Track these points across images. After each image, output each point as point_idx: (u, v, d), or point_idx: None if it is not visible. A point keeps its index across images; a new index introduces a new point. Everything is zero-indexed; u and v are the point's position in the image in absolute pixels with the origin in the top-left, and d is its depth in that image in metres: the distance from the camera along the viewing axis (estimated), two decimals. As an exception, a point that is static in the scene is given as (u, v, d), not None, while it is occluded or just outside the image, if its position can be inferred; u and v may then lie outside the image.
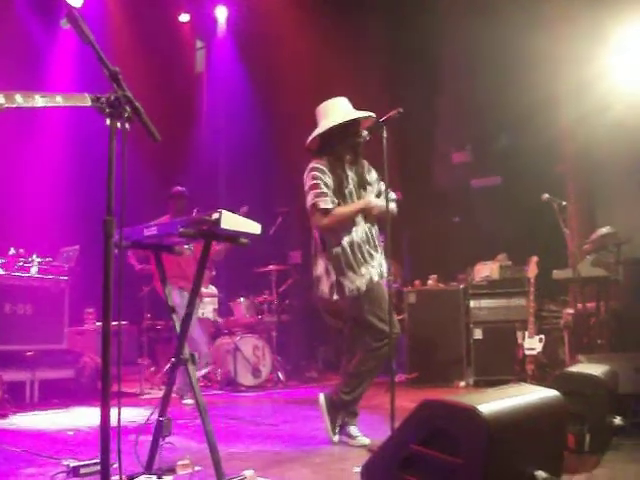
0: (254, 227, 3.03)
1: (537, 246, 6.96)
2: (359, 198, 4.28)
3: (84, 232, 5.82)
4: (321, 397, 4.30)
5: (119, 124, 2.01)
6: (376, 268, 4.25)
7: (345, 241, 4.19)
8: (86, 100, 2.03)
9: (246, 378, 7.61)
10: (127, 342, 8.39)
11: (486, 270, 7.30)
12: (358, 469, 2.88)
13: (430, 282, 7.56)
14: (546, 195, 6.12)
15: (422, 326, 7.40)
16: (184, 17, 11.24)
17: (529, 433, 2.54)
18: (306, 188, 4.26)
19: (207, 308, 8.44)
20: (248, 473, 3.13)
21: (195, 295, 3.16)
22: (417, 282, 7.73)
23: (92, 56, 2.08)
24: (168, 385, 3.22)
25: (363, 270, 4.19)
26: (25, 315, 6.25)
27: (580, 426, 3.63)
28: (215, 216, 2.83)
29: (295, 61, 9.97)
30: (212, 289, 8.65)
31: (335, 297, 4.20)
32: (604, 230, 6.12)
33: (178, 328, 3.16)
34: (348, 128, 4.22)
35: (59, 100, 1.98)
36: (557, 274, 6.49)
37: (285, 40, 10.05)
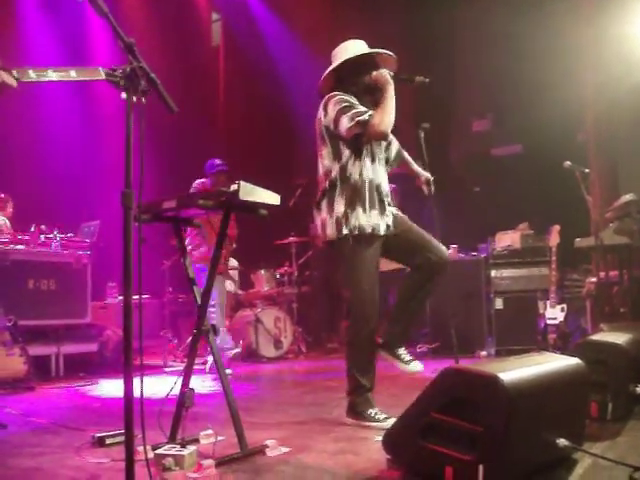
0: (273, 198, 3.03)
1: (559, 215, 6.89)
2: (376, 149, 3.91)
3: (105, 206, 5.85)
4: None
5: (135, 98, 2.00)
6: (385, 220, 3.85)
7: (365, 175, 3.81)
8: (99, 74, 2.02)
9: (268, 350, 7.67)
10: (150, 315, 8.47)
11: (507, 239, 7.24)
12: (380, 437, 2.90)
13: (451, 252, 7.52)
14: (568, 162, 6.04)
15: (443, 296, 7.36)
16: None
17: (551, 401, 2.53)
18: (333, 116, 3.78)
19: (228, 281, 8.48)
20: (270, 442, 3.16)
21: (215, 268, 3.17)
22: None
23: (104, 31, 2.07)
24: (190, 357, 3.25)
25: (373, 213, 3.80)
26: (48, 290, 6.32)
27: (602, 394, 3.61)
28: (234, 187, 2.83)
29: (314, 32, 9.86)
30: (233, 262, 8.68)
31: (345, 230, 3.75)
32: (627, 197, 6.03)
33: (199, 300, 3.17)
34: (363, 64, 3.87)
35: (73, 75, 1.98)
36: (579, 242, 6.43)
37: (304, 11, 9.95)
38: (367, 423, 3.71)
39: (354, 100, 3.81)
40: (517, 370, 2.42)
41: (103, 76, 2.04)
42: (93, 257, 6.77)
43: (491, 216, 7.54)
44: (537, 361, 2.67)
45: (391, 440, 2.75)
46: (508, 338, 7.01)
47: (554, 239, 6.43)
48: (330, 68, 3.96)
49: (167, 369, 7.00)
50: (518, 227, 7.44)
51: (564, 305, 6.35)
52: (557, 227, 6.48)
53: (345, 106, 3.75)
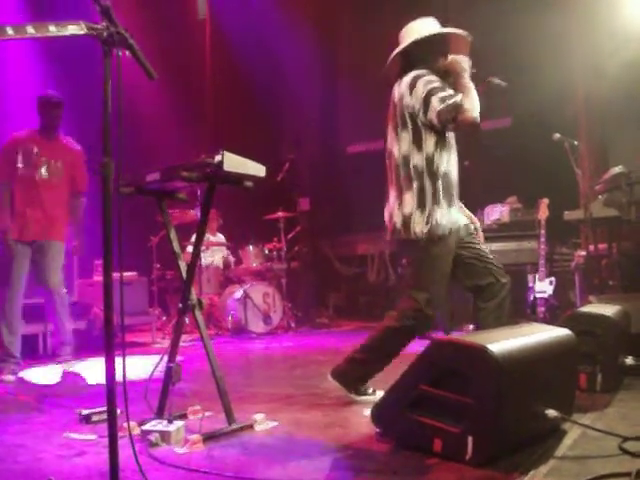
0: (258, 169, 2.97)
1: (548, 188, 6.85)
2: (452, 139, 3.62)
3: (92, 182, 5.76)
4: None
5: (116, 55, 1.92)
6: (462, 219, 3.60)
7: (449, 168, 3.53)
8: (82, 28, 1.93)
9: (257, 325, 7.64)
10: (138, 293, 8.40)
11: (496, 213, 7.21)
12: (368, 411, 2.88)
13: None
14: (557, 135, 5.99)
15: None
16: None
17: (540, 372, 2.51)
18: (422, 96, 3.39)
19: (216, 256, 8.44)
20: (258, 417, 3.14)
21: (200, 242, 3.12)
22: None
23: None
24: (176, 332, 3.21)
25: (455, 209, 3.55)
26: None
27: (592, 366, 3.61)
28: (218, 158, 2.77)
29: (304, 7, 9.74)
30: (220, 237, 8.63)
31: (439, 231, 3.45)
32: (616, 169, 5.99)
33: (184, 274, 3.13)
34: (435, 44, 3.56)
35: (52, 29, 1.89)
36: (568, 215, 6.40)
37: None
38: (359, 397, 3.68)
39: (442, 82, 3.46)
40: (506, 341, 2.39)
41: (85, 30, 1.95)
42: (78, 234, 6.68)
43: (480, 190, 7.49)
44: (526, 332, 2.64)
45: (380, 413, 2.73)
46: (497, 312, 7.00)
47: (543, 212, 6.40)
48: (398, 49, 3.64)
49: (156, 346, 6.97)
50: (507, 201, 7.41)
51: (553, 278, 6.34)
52: (546, 200, 6.45)
53: (435, 87, 3.39)
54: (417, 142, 3.48)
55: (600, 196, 6.11)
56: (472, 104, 3.36)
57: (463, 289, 3.75)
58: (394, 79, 3.63)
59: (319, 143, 10.47)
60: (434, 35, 3.55)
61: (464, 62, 3.50)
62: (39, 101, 5.27)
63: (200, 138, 9.89)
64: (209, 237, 8.25)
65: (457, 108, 3.32)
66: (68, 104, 5.51)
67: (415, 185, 3.47)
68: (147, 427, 2.92)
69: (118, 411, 2.08)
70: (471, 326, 7.13)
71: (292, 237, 8.61)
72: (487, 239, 7.23)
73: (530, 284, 6.42)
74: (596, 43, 7.27)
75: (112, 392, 1.97)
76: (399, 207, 3.54)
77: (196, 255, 3.15)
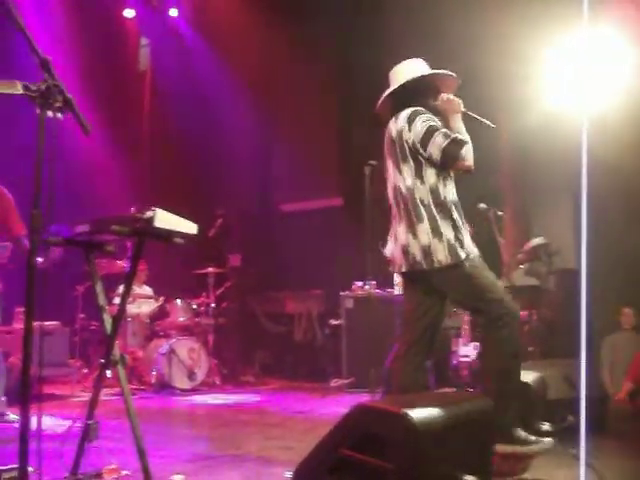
0: (190, 227, 2.98)
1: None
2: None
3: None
4: None
5: (50, 114, 1.94)
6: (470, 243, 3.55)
7: (454, 197, 3.56)
8: (17, 87, 1.95)
9: (181, 381, 7.49)
10: (59, 343, 8.13)
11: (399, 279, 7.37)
12: (289, 474, 2.86)
13: (368, 287, 7.59)
14: (482, 205, 6.20)
15: (360, 331, 7.41)
16: (129, 12, 11.01)
17: (459, 438, 2.56)
18: (422, 131, 3.43)
19: (142, 308, 8.28)
20: (177, 478, 3.08)
21: (126, 295, 3.09)
22: (355, 286, 7.75)
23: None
24: (96, 388, 3.13)
25: (466, 235, 3.53)
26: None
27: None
28: (149, 214, 2.77)
29: (243, 61, 9.91)
30: (147, 289, 8.49)
31: (462, 254, 3.41)
32: (537, 240, 6.25)
33: (108, 328, 3.08)
34: (424, 86, 3.61)
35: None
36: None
37: (235, 40, 9.98)
38: (520, 447, 3.37)
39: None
40: (427, 407, 2.43)
41: (20, 90, 1.96)
42: (2, 280, 6.47)
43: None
44: (447, 398, 2.70)
45: (300, 477, 2.71)
46: (422, 374, 7.07)
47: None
48: (388, 91, 3.69)
49: (75, 400, 6.73)
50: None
51: (477, 343, 6.47)
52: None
53: (435, 124, 3.46)
54: (419, 175, 3.49)
55: (522, 265, 6.33)
56: (469, 151, 3.46)
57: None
58: (386, 118, 3.67)
59: (253, 200, 10.54)
60: (422, 77, 3.60)
61: (458, 103, 3.57)
62: None
63: (135, 189, 9.81)
64: (135, 289, 8.11)
65: (459, 149, 3.39)
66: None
67: (426, 216, 3.46)
68: (60, 486, 2.82)
69: (30, 469, 2.01)
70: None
71: (221, 293, 8.55)
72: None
73: (454, 348, 6.54)
74: (523, 119, 7.59)
75: (25, 448, 1.91)
76: (414, 238, 3.48)
77: (122, 310, 3.11)
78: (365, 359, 6.36)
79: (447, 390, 3.41)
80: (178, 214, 2.98)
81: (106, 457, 3.42)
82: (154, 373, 7.50)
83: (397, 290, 6.44)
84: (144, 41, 11.90)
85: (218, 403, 6.69)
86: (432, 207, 3.46)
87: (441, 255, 3.41)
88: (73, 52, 9.56)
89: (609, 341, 6.27)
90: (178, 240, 3.03)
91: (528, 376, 3.92)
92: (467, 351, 6.43)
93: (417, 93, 3.61)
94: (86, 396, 6.90)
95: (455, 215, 3.48)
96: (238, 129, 10.16)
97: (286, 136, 10.22)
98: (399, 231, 3.58)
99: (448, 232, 3.43)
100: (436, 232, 3.43)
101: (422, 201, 3.47)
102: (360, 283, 7.69)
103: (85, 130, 2.02)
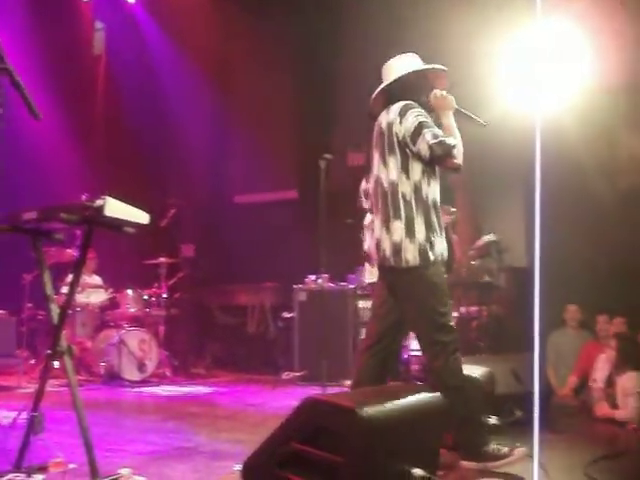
0: (141, 216, 2.93)
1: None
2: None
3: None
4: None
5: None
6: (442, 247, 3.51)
7: (436, 196, 3.51)
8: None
9: (131, 373, 7.39)
10: (5, 333, 7.94)
11: (375, 271, 7.40)
12: (239, 467, 2.85)
13: (320, 281, 7.61)
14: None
15: (312, 324, 7.43)
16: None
17: (408, 432, 2.59)
18: (412, 126, 3.40)
19: (91, 298, 8.14)
20: (124, 471, 3.03)
21: (75, 284, 3.03)
22: (308, 279, 7.76)
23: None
24: (42, 379, 3.07)
25: (442, 240, 3.49)
26: None
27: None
28: (99, 202, 2.72)
29: (200, 49, 9.81)
30: (96, 279, 8.35)
31: (431, 257, 3.38)
32: (488, 237, 6.34)
33: (55, 319, 3.01)
34: (417, 81, 3.58)
35: None
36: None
37: (191, 25, 9.87)
38: (488, 463, 3.32)
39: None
40: (377, 401, 2.45)
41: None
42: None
43: (362, 248, 7.68)
44: (397, 392, 2.72)
45: (249, 470, 2.70)
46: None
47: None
48: (380, 88, 3.65)
49: (21, 391, 6.59)
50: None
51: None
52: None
53: (426, 121, 3.41)
54: (405, 169, 3.45)
55: (473, 262, 6.42)
56: (459, 149, 3.45)
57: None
58: (378, 112, 3.64)
59: (207, 191, 10.44)
60: (415, 72, 3.57)
61: (450, 100, 3.54)
62: None
63: (87, 176, 9.61)
64: (85, 278, 7.96)
65: (449, 150, 3.37)
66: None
67: (403, 213, 3.43)
68: (2, 480, 2.75)
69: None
70: (349, 381, 7.22)
71: (173, 283, 8.47)
72: (365, 296, 7.44)
73: (404, 342, 6.59)
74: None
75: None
76: (387, 234, 3.47)
77: (70, 299, 3.05)
78: (317, 352, 6.37)
79: (398, 384, 3.44)
80: (130, 202, 2.93)
81: (52, 450, 3.35)
82: (103, 364, 7.39)
83: (369, 279, 6.42)
84: (99, 25, 11.66)
85: (168, 395, 6.62)
86: (412, 203, 3.43)
87: (410, 255, 3.40)
88: (26, 34, 9.34)
89: (554, 338, 6.40)
90: (129, 229, 2.98)
91: (477, 370, 3.99)
92: (417, 345, 6.49)
93: (410, 88, 3.58)
94: (33, 387, 6.76)
95: (433, 216, 3.45)
96: (193, 118, 10.05)
97: (242, 127, 10.14)
98: (375, 225, 3.59)
99: (421, 232, 3.40)
100: (410, 231, 3.41)
101: (404, 196, 3.44)
102: (313, 276, 7.70)
103: (34, 115, 1.96)
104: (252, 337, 9.10)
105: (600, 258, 6.59)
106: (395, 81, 3.59)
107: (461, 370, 3.46)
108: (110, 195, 2.82)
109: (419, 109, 3.47)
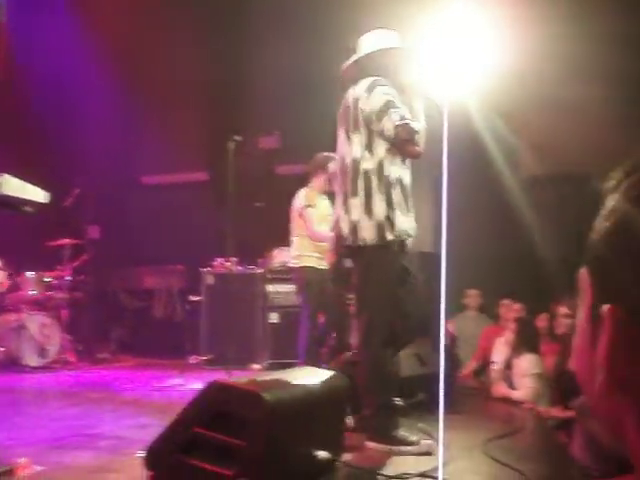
0: (40, 195, 2.83)
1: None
2: None
3: None
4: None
5: None
6: (413, 230, 3.47)
7: (400, 175, 3.45)
8: None
9: (31, 358, 7.15)
10: None
11: (284, 256, 7.42)
12: (142, 453, 2.81)
13: (229, 264, 7.57)
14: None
15: (220, 308, 7.40)
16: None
17: (312, 415, 2.63)
18: (378, 106, 3.36)
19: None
20: (22, 461, 2.94)
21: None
22: (216, 263, 7.70)
23: None
24: None
25: (410, 216, 3.46)
26: None
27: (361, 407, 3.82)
28: (-5, 182, 2.61)
29: (108, 24, 9.50)
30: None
31: (390, 236, 3.32)
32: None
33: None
34: (386, 60, 3.53)
35: None
36: (349, 262, 6.76)
37: (97, 5, 9.55)
38: (397, 447, 3.32)
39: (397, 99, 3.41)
40: (280, 386, 2.48)
41: None
42: None
43: (272, 232, 7.69)
44: (300, 376, 2.75)
45: (153, 456, 2.67)
46: (282, 351, 7.17)
47: (328, 259, 6.69)
48: (353, 58, 3.58)
49: None
50: (296, 244, 7.66)
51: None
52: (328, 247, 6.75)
53: (393, 101, 3.35)
54: (369, 146, 3.41)
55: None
56: (422, 136, 3.41)
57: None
58: (349, 84, 3.58)
59: (114, 171, 10.15)
60: (385, 50, 3.53)
61: (424, 87, 3.51)
62: None
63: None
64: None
65: (413, 134, 3.31)
66: None
67: (363, 190, 3.37)
68: None
69: None
70: (256, 365, 7.24)
71: (77, 266, 8.22)
72: (274, 280, 7.46)
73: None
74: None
75: None
76: (346, 212, 3.42)
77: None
78: (224, 336, 6.36)
79: (304, 368, 3.47)
80: (30, 181, 2.83)
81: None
82: (2, 349, 7.12)
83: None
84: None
85: (71, 381, 6.45)
86: (373, 181, 3.38)
87: (367, 233, 3.36)
88: None
89: (454, 322, 6.60)
90: (28, 209, 2.87)
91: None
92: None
93: (380, 65, 3.53)
94: None
95: (394, 194, 3.40)
96: (100, 95, 9.74)
97: (151, 108, 9.91)
98: (336, 203, 3.57)
99: (380, 210, 3.36)
100: (367, 208, 3.37)
101: (366, 172, 3.39)
102: (222, 259, 7.65)
103: None
104: (159, 321, 8.98)
105: (504, 244, 6.85)
106: (366, 56, 3.55)
107: (389, 356, 3.49)
108: (9, 173, 2.72)
109: (387, 87, 3.43)
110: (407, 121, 3.33)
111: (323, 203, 5.68)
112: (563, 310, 5.31)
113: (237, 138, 5.80)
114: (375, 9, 6.83)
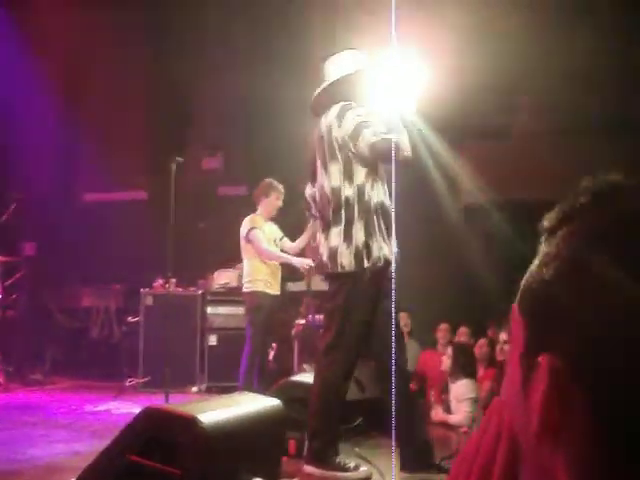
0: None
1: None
2: (382, 170, 3.56)
3: None
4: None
5: None
6: (392, 251, 3.44)
7: (381, 199, 3.43)
8: None
9: (-42, 379, 6.90)
10: None
11: (226, 277, 7.38)
12: (74, 481, 2.75)
13: (168, 285, 7.48)
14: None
15: (158, 329, 7.28)
16: None
17: (248, 441, 2.61)
18: (351, 127, 3.37)
19: None
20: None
21: None
22: (156, 283, 7.60)
23: None
24: None
25: (390, 242, 3.43)
26: None
27: (300, 432, 3.81)
28: None
29: (50, 39, 9.34)
30: None
31: (366, 263, 3.32)
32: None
33: None
34: (353, 83, 3.53)
35: None
36: (291, 287, 6.77)
37: (41, 17, 9.38)
38: (334, 473, 3.30)
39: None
40: (216, 411, 2.46)
41: None
42: None
43: (213, 253, 7.65)
44: (237, 402, 2.74)
45: (84, 484, 2.62)
46: (220, 374, 7.10)
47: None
48: (322, 87, 3.59)
49: None
50: (237, 266, 7.63)
51: (273, 344, 6.61)
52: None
53: (365, 120, 3.37)
54: (348, 174, 3.39)
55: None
56: (405, 142, 3.37)
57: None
58: (320, 111, 3.56)
59: (53, 187, 9.95)
60: (352, 74, 3.53)
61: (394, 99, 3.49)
62: None
63: None
64: None
65: (390, 144, 3.25)
66: None
67: (343, 218, 3.36)
68: None
69: None
70: (194, 388, 7.14)
71: (11, 283, 7.99)
72: (214, 302, 7.40)
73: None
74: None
75: None
76: (325, 240, 3.42)
77: None
78: (162, 358, 6.26)
79: (242, 393, 3.45)
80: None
81: None
82: None
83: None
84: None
85: (1, 404, 6.24)
86: (355, 207, 3.38)
87: (345, 260, 3.36)
88: None
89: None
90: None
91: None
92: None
93: (349, 89, 3.53)
94: None
95: (375, 220, 3.40)
96: (39, 111, 9.55)
97: (93, 125, 9.77)
98: (317, 231, 3.59)
99: (359, 237, 3.36)
100: (347, 235, 3.37)
101: (347, 200, 3.39)
102: (161, 280, 7.56)
103: None
104: (95, 342, 8.77)
105: (443, 270, 6.95)
106: (332, 84, 3.56)
107: (341, 384, 3.49)
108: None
109: (356, 109, 3.44)
110: (381, 135, 3.35)
111: (269, 228, 5.73)
112: (503, 337, 5.41)
113: (179, 159, 5.78)
114: (324, 32, 6.95)
